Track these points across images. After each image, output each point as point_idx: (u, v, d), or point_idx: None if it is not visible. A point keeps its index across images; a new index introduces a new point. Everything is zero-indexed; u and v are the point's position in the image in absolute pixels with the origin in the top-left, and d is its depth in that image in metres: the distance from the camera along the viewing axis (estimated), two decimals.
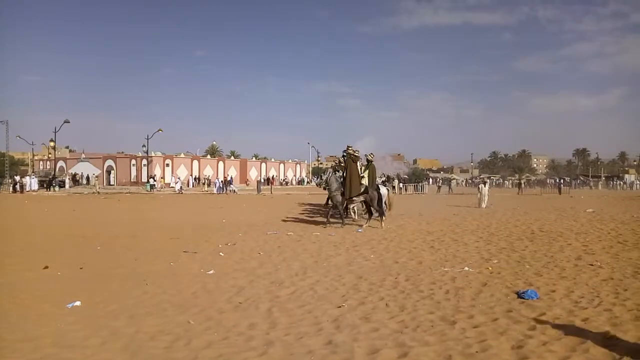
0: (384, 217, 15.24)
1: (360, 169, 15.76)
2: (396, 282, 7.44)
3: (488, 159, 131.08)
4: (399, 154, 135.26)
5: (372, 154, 16.57)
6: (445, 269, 8.41)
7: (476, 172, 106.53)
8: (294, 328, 5.29)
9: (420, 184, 49.03)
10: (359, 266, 8.86)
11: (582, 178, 67.90)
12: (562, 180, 49.22)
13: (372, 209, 15.39)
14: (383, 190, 16.58)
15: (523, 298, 6.37)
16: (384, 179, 21.03)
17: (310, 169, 76.73)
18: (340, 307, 6.09)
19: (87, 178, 51.99)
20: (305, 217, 18.53)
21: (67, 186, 47.98)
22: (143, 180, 49.12)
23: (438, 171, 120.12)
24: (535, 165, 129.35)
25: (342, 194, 15.21)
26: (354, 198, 15.32)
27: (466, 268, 8.49)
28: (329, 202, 15.95)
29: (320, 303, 6.30)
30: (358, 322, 5.43)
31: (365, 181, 15.57)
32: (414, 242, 11.70)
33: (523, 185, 48.01)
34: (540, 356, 4.29)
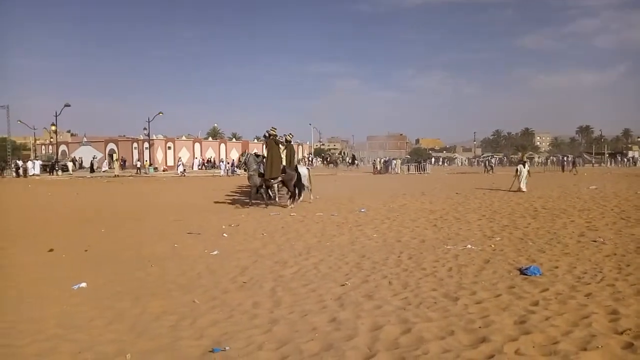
0: (297, 198, 15.64)
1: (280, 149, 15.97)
2: (399, 261, 7.47)
3: (491, 137, 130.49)
4: (400, 134, 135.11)
5: (291, 134, 17.03)
6: (448, 247, 8.43)
7: (479, 151, 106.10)
8: (297, 306, 5.32)
9: (422, 163, 48.82)
10: (362, 245, 8.89)
11: (585, 156, 67.23)
12: (565, 158, 48.70)
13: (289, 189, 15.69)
14: (303, 170, 16.75)
15: (526, 274, 6.39)
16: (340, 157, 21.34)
17: (313, 149, 76.56)
18: (343, 285, 6.12)
19: (91, 162, 51.95)
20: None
21: (104, 168, 48.08)
22: (145, 164, 49.13)
23: (441, 150, 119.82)
24: (538, 143, 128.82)
25: (261, 175, 15.20)
26: (272, 180, 15.39)
27: (469, 246, 8.50)
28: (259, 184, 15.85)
29: (323, 282, 6.33)
30: (361, 300, 5.46)
31: (283, 161, 15.73)
32: (416, 221, 11.71)
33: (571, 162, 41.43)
34: (543, 331, 4.31)
